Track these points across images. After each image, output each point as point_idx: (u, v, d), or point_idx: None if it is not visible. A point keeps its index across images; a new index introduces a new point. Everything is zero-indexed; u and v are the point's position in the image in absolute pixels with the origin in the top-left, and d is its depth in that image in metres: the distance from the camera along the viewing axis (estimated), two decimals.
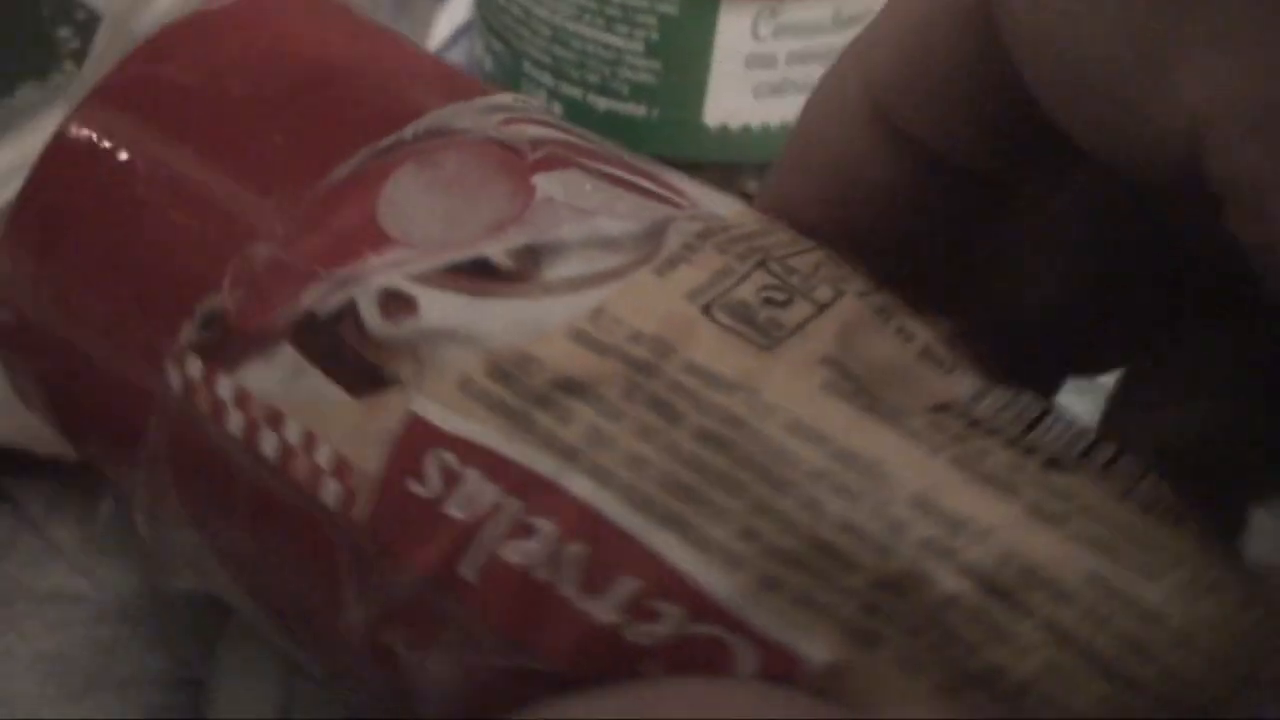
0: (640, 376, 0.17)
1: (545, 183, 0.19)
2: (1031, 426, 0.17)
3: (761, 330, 0.17)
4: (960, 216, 0.20)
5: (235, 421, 0.19)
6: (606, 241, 0.18)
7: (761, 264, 0.18)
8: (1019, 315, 0.21)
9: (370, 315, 0.18)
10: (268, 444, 0.19)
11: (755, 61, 0.32)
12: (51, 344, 0.22)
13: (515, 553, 0.17)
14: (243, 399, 0.19)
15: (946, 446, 0.16)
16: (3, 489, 0.26)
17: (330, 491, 0.18)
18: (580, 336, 0.17)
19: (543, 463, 0.17)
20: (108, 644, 0.24)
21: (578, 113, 0.33)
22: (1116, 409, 0.22)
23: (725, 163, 0.32)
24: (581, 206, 0.19)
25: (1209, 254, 0.20)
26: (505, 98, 0.21)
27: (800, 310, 0.18)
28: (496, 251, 0.18)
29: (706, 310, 0.17)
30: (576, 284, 0.18)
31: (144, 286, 0.20)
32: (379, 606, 0.18)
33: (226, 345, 0.19)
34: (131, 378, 0.20)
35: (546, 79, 0.33)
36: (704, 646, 0.16)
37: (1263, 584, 0.16)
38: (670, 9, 0.31)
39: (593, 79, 0.33)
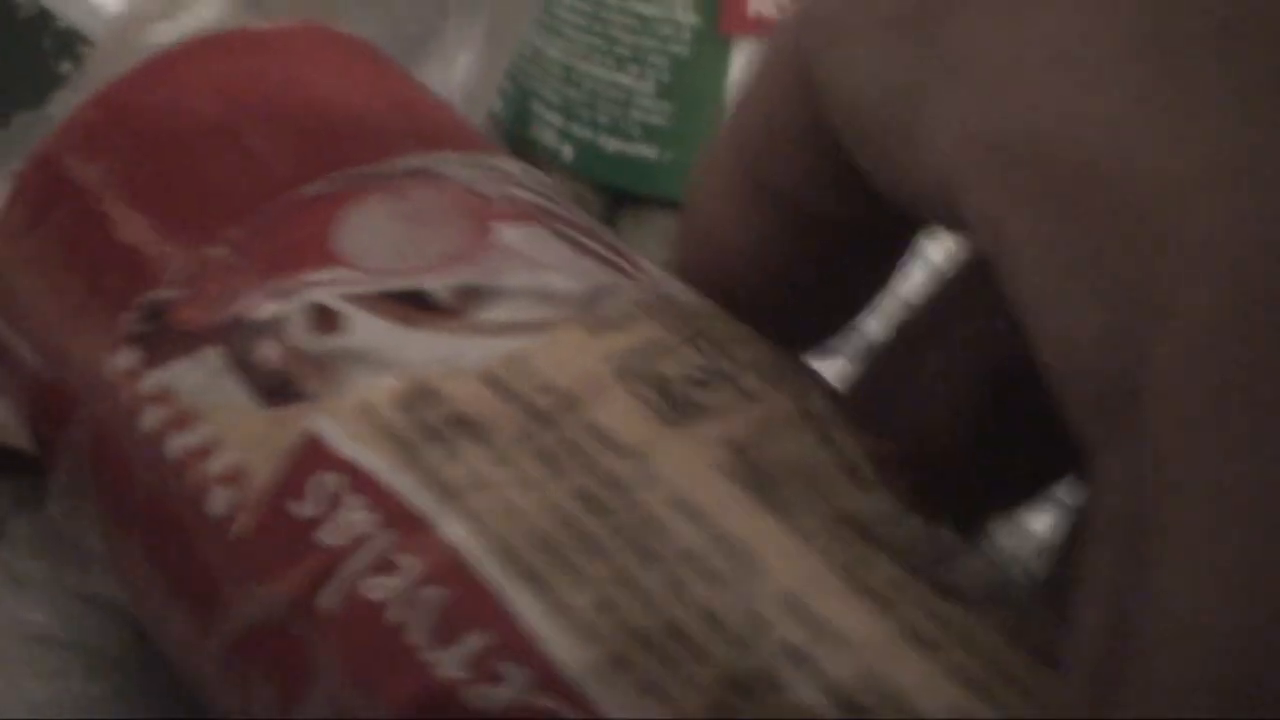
0: (535, 426, 0.16)
1: (506, 232, 0.18)
2: (941, 561, 0.16)
3: (673, 404, 0.16)
4: (837, 266, 0.19)
5: (150, 418, 0.19)
6: (547, 294, 0.18)
7: (693, 342, 0.17)
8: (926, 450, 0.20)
9: (297, 327, 0.18)
10: (173, 445, 0.18)
11: None
12: (16, 330, 0.22)
13: (375, 588, 0.16)
14: (163, 396, 0.19)
15: (833, 550, 0.15)
16: None
17: (219, 500, 0.18)
18: (490, 379, 0.17)
19: (421, 498, 0.16)
20: (102, 698, 0.23)
21: (588, 153, 0.33)
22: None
23: None
24: (536, 260, 0.18)
25: None
26: (507, 163, 0.21)
27: (721, 395, 0.17)
28: (437, 285, 0.18)
29: (622, 375, 0.16)
30: (505, 329, 0.17)
31: (97, 277, 0.20)
32: (240, 629, 0.17)
33: (162, 340, 0.19)
34: (73, 367, 0.20)
35: (556, 119, 0.33)
36: None
37: None
38: (682, 50, 0.31)
39: (603, 119, 0.32)
